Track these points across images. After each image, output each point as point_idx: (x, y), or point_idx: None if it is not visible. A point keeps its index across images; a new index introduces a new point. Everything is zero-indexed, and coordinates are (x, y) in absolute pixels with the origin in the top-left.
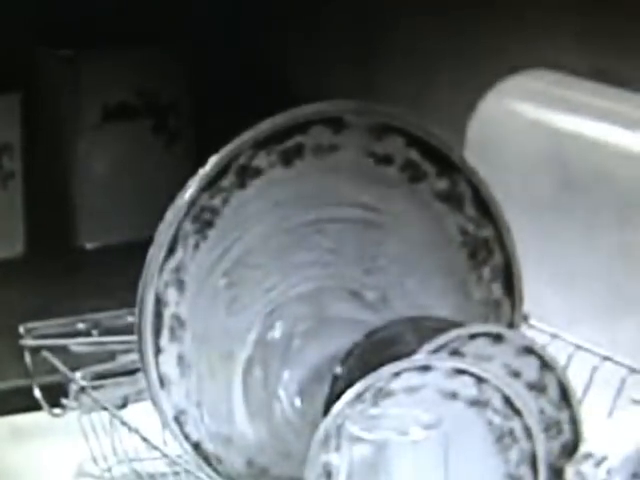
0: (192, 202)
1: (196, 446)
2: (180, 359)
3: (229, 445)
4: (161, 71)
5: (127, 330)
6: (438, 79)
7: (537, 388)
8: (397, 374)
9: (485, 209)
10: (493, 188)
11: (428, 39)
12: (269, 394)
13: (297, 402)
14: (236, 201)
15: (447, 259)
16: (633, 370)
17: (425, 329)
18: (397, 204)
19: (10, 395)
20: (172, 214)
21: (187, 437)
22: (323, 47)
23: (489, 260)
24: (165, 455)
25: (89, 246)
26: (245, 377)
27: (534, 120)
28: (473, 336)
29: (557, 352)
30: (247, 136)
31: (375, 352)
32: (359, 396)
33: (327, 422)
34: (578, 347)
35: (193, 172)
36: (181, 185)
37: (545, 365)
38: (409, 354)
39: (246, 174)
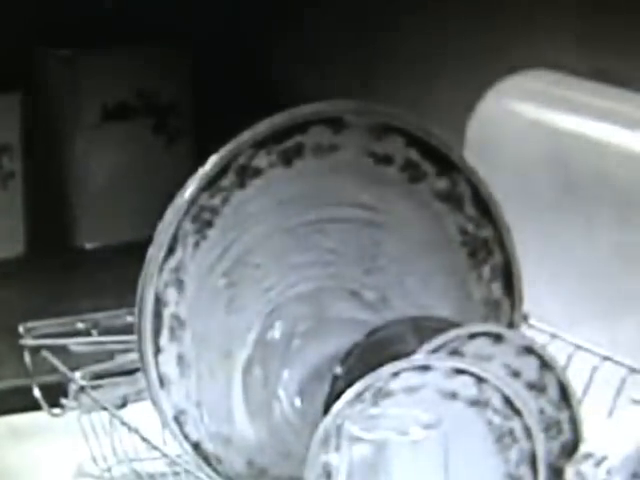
0: (192, 202)
1: (196, 446)
2: (180, 359)
3: (229, 445)
4: (161, 71)
5: (127, 330)
6: (438, 79)
7: (537, 388)
8: (396, 374)
9: (485, 209)
10: (493, 188)
11: (428, 39)
12: (269, 394)
13: (297, 402)
14: (236, 201)
15: (447, 259)
16: (633, 370)
17: (425, 329)
18: (397, 204)
19: (9, 395)
20: (172, 214)
21: (187, 437)
22: (323, 47)
23: (489, 260)
24: (165, 455)
25: (89, 246)
26: (245, 377)
27: (534, 120)
28: (473, 336)
29: (557, 352)
30: (247, 136)
31: (375, 352)
32: (359, 396)
33: (327, 422)
34: (578, 347)
35: (193, 172)
36: (181, 185)
37: (545, 365)
38: (409, 354)
39: (246, 174)
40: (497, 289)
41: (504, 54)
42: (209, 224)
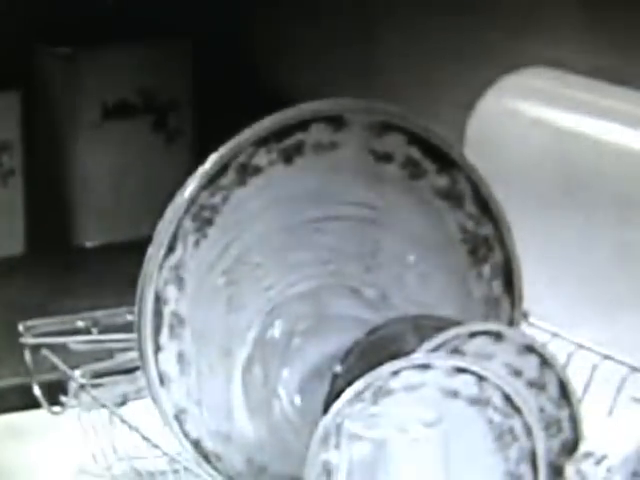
0: (192, 200)
1: (196, 444)
2: (180, 357)
3: (229, 443)
4: (161, 69)
5: (127, 328)
6: (438, 77)
7: (537, 386)
8: (397, 373)
9: (485, 207)
10: (493, 186)
11: (428, 37)
12: (269, 392)
13: (297, 400)
14: (236, 199)
15: (447, 257)
16: (633, 369)
17: (425, 327)
18: (397, 201)
19: (9, 393)
20: (172, 212)
21: (187, 435)
22: (323, 46)
23: (489, 258)
24: (165, 453)
25: (89, 244)
26: (245, 375)
27: (534, 118)
28: (473, 334)
29: (557, 351)
30: (247, 134)
31: (375, 350)
32: (359, 394)
33: (327, 420)
34: (578, 346)
35: (193, 170)
36: (181, 183)
37: (545, 363)
38: (409, 353)
39: (246, 172)
40: (497, 287)
41: (504, 52)
42: (209, 222)
